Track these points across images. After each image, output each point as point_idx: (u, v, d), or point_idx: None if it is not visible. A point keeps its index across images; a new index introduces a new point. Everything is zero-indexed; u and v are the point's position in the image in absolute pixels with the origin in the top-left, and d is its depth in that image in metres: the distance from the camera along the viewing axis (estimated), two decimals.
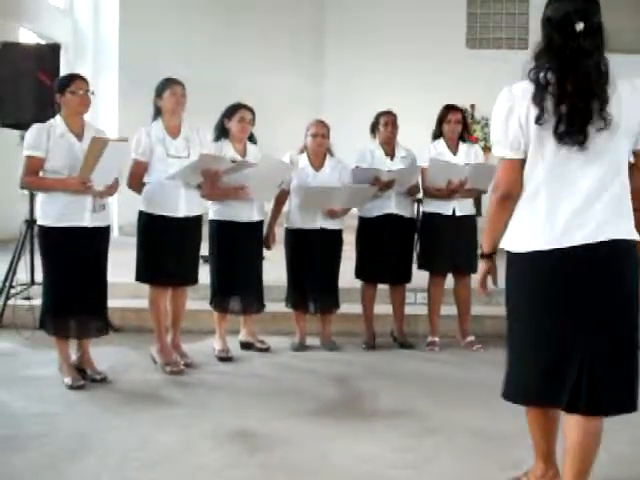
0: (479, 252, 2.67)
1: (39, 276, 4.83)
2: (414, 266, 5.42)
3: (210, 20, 10.55)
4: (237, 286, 5.01)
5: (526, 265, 2.44)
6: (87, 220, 4.23)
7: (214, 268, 5.04)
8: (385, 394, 4.24)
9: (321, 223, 5.15)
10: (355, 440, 3.49)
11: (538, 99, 2.32)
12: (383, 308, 5.47)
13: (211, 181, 4.65)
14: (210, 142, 4.90)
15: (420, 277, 5.50)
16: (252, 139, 5.11)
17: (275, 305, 5.38)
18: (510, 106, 2.39)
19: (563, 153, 2.35)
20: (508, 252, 2.50)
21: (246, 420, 3.76)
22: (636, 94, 2.38)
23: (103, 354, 4.67)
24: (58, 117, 4.25)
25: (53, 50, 5.75)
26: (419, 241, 5.47)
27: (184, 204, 4.61)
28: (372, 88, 10.58)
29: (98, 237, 4.32)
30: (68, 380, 4.24)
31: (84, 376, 4.33)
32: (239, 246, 4.95)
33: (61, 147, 4.17)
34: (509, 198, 2.46)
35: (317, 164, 5.22)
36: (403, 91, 10.28)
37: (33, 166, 4.16)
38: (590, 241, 2.34)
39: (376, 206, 5.22)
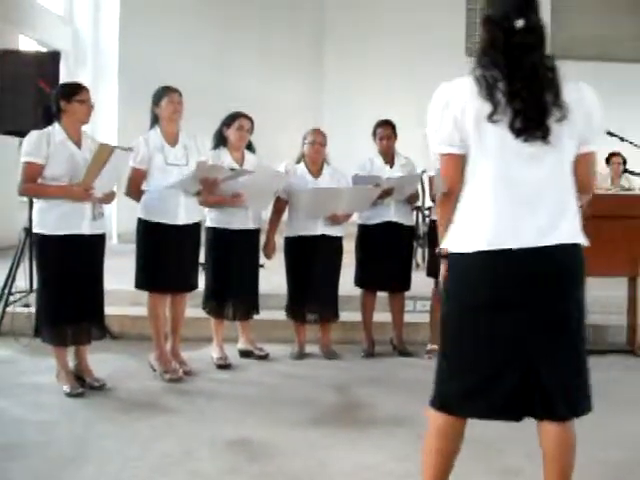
0: (437, 251, 2.56)
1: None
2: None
3: (210, 28, 10.58)
4: (231, 292, 5.02)
5: (468, 266, 2.37)
6: (86, 228, 4.22)
7: (209, 274, 5.06)
8: (384, 402, 4.23)
9: (322, 229, 5.15)
10: (354, 448, 3.48)
11: (489, 96, 2.28)
12: (382, 316, 5.46)
13: (209, 188, 4.67)
14: (208, 149, 4.92)
15: (419, 285, 5.50)
16: (250, 148, 5.13)
17: (274, 313, 5.38)
18: (446, 101, 2.35)
19: (515, 148, 2.30)
20: (450, 252, 2.42)
21: (245, 428, 3.76)
22: (580, 96, 2.36)
23: (102, 361, 4.67)
24: (57, 124, 4.24)
25: (53, 58, 5.76)
26: (427, 248, 5.47)
27: (184, 211, 4.62)
28: (371, 96, 10.62)
29: (96, 245, 4.32)
30: (66, 388, 4.23)
31: (82, 384, 4.32)
32: (233, 253, 4.97)
33: (62, 154, 4.16)
34: (451, 195, 2.41)
35: (315, 172, 5.23)
36: (402, 98, 10.31)
37: (32, 173, 4.15)
38: (535, 244, 2.30)
39: (376, 214, 5.23)
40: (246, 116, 5.03)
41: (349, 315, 5.50)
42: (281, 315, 5.34)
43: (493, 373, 2.34)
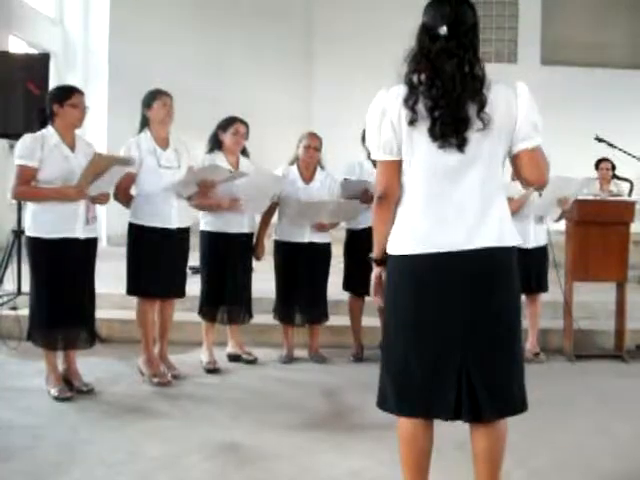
0: (369, 256, 2.59)
1: (26, 286, 4.80)
2: None
3: (201, 32, 10.58)
4: (225, 296, 5.02)
5: (400, 268, 2.42)
6: (79, 232, 4.20)
7: (204, 278, 5.06)
8: (373, 407, 4.18)
9: (310, 237, 5.16)
10: (343, 453, 3.48)
11: (410, 101, 2.33)
12: (371, 321, 5.46)
13: (205, 191, 4.66)
14: (199, 153, 4.92)
15: None
16: (245, 152, 5.14)
17: (263, 317, 5.37)
18: (384, 108, 2.39)
19: (437, 155, 2.34)
20: (389, 254, 2.46)
21: (233, 433, 3.75)
22: (511, 97, 2.38)
23: (90, 365, 4.65)
24: (51, 128, 4.22)
25: (42, 60, 5.75)
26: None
27: (176, 215, 4.61)
28: (361, 102, 10.61)
29: (89, 249, 4.30)
30: (55, 391, 4.21)
31: (71, 387, 4.31)
32: (229, 257, 4.97)
33: (56, 158, 4.14)
34: (385, 200, 2.44)
35: (307, 177, 5.23)
36: None
37: (26, 176, 4.13)
38: (463, 247, 2.33)
39: (364, 219, 5.22)
40: (242, 121, 5.03)
41: (338, 319, 5.50)
42: (270, 319, 5.33)
43: (427, 373, 2.38)
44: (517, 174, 2.48)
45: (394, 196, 2.44)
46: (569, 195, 5.28)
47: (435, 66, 2.33)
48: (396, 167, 2.42)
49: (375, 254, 2.55)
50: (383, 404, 2.51)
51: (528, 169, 2.43)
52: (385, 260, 2.51)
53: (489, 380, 2.35)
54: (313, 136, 5.27)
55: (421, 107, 2.33)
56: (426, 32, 2.37)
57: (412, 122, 2.33)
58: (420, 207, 2.39)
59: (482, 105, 2.32)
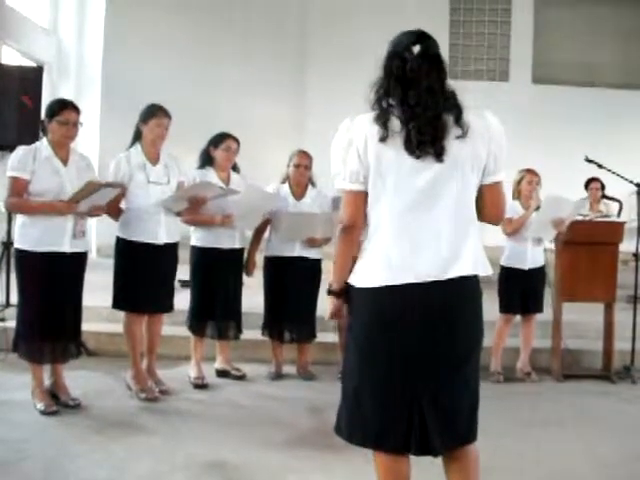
0: (328, 288, 2.54)
1: (14, 298, 4.77)
2: None
3: (194, 46, 10.57)
4: (216, 312, 5.01)
5: (367, 301, 2.37)
6: (67, 245, 4.19)
7: (194, 293, 5.06)
8: None
9: (300, 251, 5.16)
10: (330, 472, 3.48)
11: (381, 119, 2.30)
12: None
13: (196, 207, 4.66)
14: (189, 169, 4.92)
15: None
16: (235, 168, 5.14)
17: (252, 332, 5.35)
18: (349, 138, 2.36)
19: (410, 176, 2.30)
20: (354, 286, 2.41)
21: (220, 450, 3.73)
22: (485, 123, 2.37)
23: (77, 379, 4.62)
24: (44, 140, 4.24)
25: (36, 72, 5.76)
26: None
27: (164, 231, 4.60)
28: (354, 114, 10.64)
29: (76, 263, 4.28)
30: (41, 405, 4.18)
31: (57, 401, 4.28)
32: (220, 273, 4.97)
33: (46, 170, 4.14)
34: (350, 230, 2.41)
35: (298, 194, 5.25)
36: None
37: (18, 187, 4.13)
38: (437, 279, 2.30)
39: None
40: (233, 137, 5.04)
41: (327, 336, 5.49)
42: (259, 335, 5.32)
43: (379, 404, 2.36)
44: (476, 206, 2.43)
45: (359, 227, 2.41)
46: (565, 217, 5.31)
47: (407, 85, 2.31)
48: (362, 198, 2.38)
49: (335, 286, 2.49)
50: (338, 430, 2.50)
51: (490, 201, 2.43)
52: (345, 292, 2.46)
53: (442, 412, 2.33)
54: (303, 154, 5.28)
55: (394, 123, 2.30)
56: (395, 57, 2.36)
57: (383, 139, 2.29)
58: (393, 236, 2.33)
59: (459, 113, 2.31)
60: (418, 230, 2.32)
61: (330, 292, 2.53)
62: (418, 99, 2.29)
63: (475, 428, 2.43)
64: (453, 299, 2.34)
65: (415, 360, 2.32)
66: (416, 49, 2.34)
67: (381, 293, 2.33)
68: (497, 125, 2.41)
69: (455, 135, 2.31)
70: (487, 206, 2.43)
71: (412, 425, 2.32)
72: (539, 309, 5.53)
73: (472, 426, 2.42)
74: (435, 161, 2.29)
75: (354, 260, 2.44)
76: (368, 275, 2.36)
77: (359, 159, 2.34)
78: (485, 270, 2.40)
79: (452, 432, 2.36)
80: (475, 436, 2.43)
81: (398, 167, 2.31)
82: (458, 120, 2.31)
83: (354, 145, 2.35)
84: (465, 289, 2.36)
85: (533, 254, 5.41)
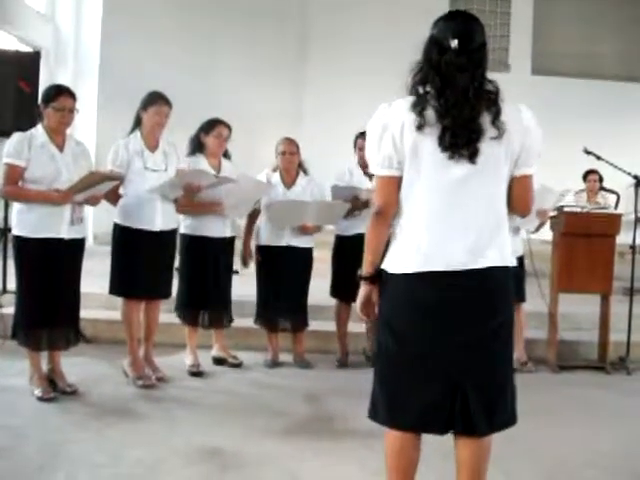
0: (358, 273, 2.49)
1: (11, 284, 4.77)
2: None
3: (193, 31, 10.54)
4: (206, 300, 5.01)
5: (400, 287, 2.39)
6: (64, 232, 4.18)
7: (184, 281, 5.05)
8: (358, 413, 4.16)
9: (288, 240, 5.15)
10: (328, 459, 3.49)
11: (418, 107, 2.31)
12: (356, 326, 5.47)
13: (190, 195, 4.66)
14: (185, 156, 4.91)
15: None
16: (226, 155, 5.12)
17: (249, 320, 5.36)
18: (385, 123, 2.36)
19: (444, 167, 2.32)
20: (386, 272, 2.42)
21: (217, 437, 3.74)
22: (519, 117, 2.38)
23: (74, 365, 4.63)
24: (40, 127, 4.21)
25: (33, 58, 5.74)
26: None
27: (161, 218, 4.60)
28: (354, 103, 10.60)
29: (74, 249, 4.28)
30: (38, 392, 4.19)
31: (55, 388, 4.28)
32: (210, 261, 4.96)
33: (42, 157, 4.13)
34: (383, 215, 2.42)
35: (289, 182, 5.23)
36: None
37: (14, 175, 4.11)
38: (465, 267, 2.32)
39: (353, 225, 5.22)
40: (225, 123, 5.01)
41: (323, 325, 5.50)
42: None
43: (421, 389, 2.38)
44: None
45: (391, 212, 2.42)
46: (548, 208, 5.36)
47: (445, 78, 2.31)
48: (395, 183, 2.39)
49: (366, 271, 2.47)
50: (375, 416, 2.50)
51: (520, 193, 2.44)
52: (376, 278, 2.46)
53: (484, 396, 2.36)
54: (288, 141, 5.25)
55: (430, 113, 2.30)
56: (435, 44, 2.36)
57: (420, 127, 2.30)
58: (425, 223, 2.35)
59: (497, 113, 2.31)
60: (450, 220, 2.34)
61: (361, 277, 2.49)
62: (455, 100, 2.29)
63: (516, 410, 2.47)
64: (482, 287, 2.36)
65: (449, 346, 2.35)
66: (454, 43, 2.32)
67: (413, 279, 2.35)
68: (532, 120, 2.41)
69: (490, 136, 2.31)
70: (515, 199, 2.45)
71: (454, 408, 2.35)
72: (522, 298, 5.49)
73: (514, 408, 2.46)
74: (468, 162, 2.31)
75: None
76: (400, 261, 2.38)
77: (394, 145, 2.35)
78: (512, 260, 2.44)
79: (498, 415, 2.39)
80: (516, 419, 2.47)
81: (433, 157, 2.32)
82: (495, 120, 2.31)
83: (389, 130, 2.35)
84: (493, 279, 2.38)
85: (512, 243, 5.38)
